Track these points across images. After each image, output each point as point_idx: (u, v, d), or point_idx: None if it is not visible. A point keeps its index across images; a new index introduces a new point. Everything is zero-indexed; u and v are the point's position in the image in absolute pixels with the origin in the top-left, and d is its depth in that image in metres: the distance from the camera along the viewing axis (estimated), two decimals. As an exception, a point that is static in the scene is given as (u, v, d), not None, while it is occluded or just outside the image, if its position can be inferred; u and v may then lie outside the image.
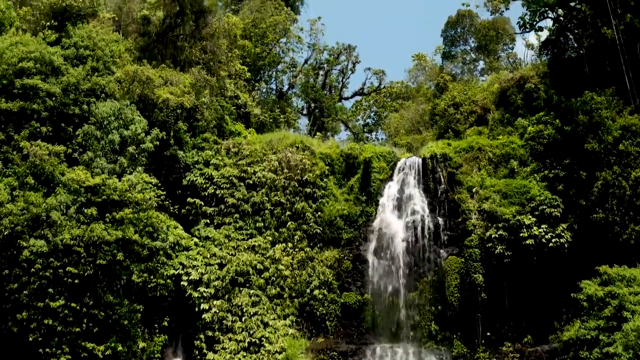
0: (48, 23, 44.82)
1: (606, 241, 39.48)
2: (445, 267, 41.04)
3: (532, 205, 41.12)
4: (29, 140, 37.92)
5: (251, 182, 44.45)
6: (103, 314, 34.54)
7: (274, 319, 40.23)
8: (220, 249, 41.77)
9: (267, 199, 43.87)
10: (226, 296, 40.33)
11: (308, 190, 44.38)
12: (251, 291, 40.86)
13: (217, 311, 39.60)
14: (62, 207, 35.36)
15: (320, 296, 41.33)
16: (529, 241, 39.88)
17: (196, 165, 44.62)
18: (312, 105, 74.12)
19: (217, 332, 39.06)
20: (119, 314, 35.21)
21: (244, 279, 40.99)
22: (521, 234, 40.18)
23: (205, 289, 39.96)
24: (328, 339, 40.48)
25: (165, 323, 38.77)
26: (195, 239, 42.10)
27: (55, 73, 40.87)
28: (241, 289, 40.83)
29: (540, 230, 40.16)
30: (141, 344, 36.55)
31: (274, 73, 68.34)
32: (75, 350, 33.66)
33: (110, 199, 36.27)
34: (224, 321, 39.43)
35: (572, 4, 47.53)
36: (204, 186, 43.99)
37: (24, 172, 36.58)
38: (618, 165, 40.22)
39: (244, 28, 59.00)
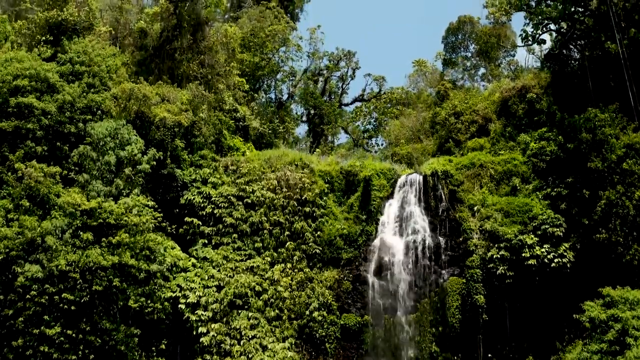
0: (44, 38, 44.39)
1: (609, 261, 38.95)
2: (446, 288, 40.57)
3: (534, 224, 40.59)
4: (24, 160, 37.63)
5: (250, 201, 43.91)
6: (99, 340, 34.12)
7: (273, 342, 39.75)
8: (219, 270, 41.29)
9: (265, 218, 43.37)
10: (224, 319, 39.86)
11: (307, 209, 43.87)
12: (250, 314, 40.37)
13: (215, 335, 39.15)
14: (57, 231, 34.93)
15: (320, 318, 40.85)
16: (531, 261, 39.35)
17: (194, 184, 44.09)
18: (312, 112, 73.40)
19: (215, 356, 38.62)
20: (116, 339, 34.76)
21: (243, 301, 40.52)
22: (523, 254, 39.64)
23: (203, 312, 39.47)
24: (327, 361, 40.14)
25: (163, 346, 38.31)
26: (193, 260, 41.60)
27: (50, 90, 40.49)
28: (240, 311, 40.35)
29: (543, 250, 39.64)
30: (138, 368, 36.19)
31: (273, 82, 67.61)
32: (72, 377, 33.22)
33: (107, 223, 35.76)
34: (222, 345, 38.97)
35: (576, 16, 46.79)
36: (202, 205, 43.48)
37: (19, 194, 36.17)
38: (622, 185, 39.63)
39: (242, 37, 58.26)
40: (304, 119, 75.44)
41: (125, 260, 34.99)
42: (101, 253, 34.72)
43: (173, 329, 39.34)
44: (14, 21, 46.56)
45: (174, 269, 40.21)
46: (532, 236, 40.13)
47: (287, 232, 43.32)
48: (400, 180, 45.64)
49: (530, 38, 49.42)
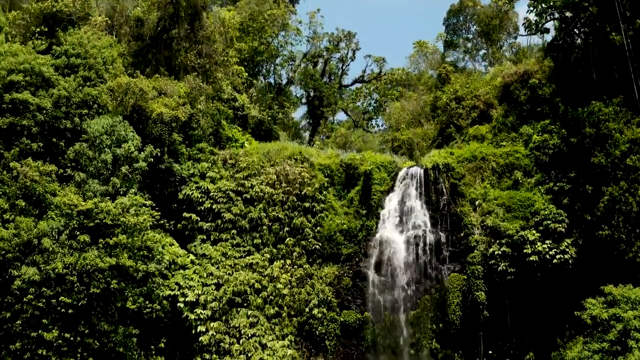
0: (38, 29, 43.52)
1: (611, 258, 38.56)
2: (447, 284, 40.26)
3: (536, 219, 40.14)
4: (19, 157, 37.11)
5: (248, 196, 43.48)
6: (98, 343, 33.91)
7: (272, 340, 39.54)
8: (217, 267, 40.94)
9: (265, 214, 42.96)
10: (223, 317, 39.61)
11: (307, 204, 43.44)
12: (249, 312, 40.13)
13: (214, 333, 38.91)
14: (54, 232, 34.54)
15: (320, 315, 40.59)
16: (532, 257, 38.95)
17: (192, 178, 43.58)
18: (312, 94, 72.72)
19: (214, 355, 38.40)
20: (114, 341, 34.59)
21: (242, 298, 40.27)
22: (525, 250, 39.24)
23: (202, 311, 39.17)
24: (327, 359, 39.91)
25: (162, 345, 38.11)
26: (192, 256, 41.24)
27: (45, 85, 39.85)
28: (239, 309, 40.09)
29: (545, 246, 39.21)
30: (137, 368, 36.05)
31: (272, 67, 66.79)
32: (71, 380, 33.08)
33: (103, 223, 35.36)
34: (222, 343, 38.73)
35: (581, 5, 45.74)
36: (200, 200, 43.03)
37: (15, 193, 35.70)
38: (625, 181, 39.09)
39: (241, 22, 57.34)
40: (304, 100, 74.83)
41: (123, 262, 34.65)
42: (98, 255, 34.37)
43: (172, 328, 39.08)
44: (7, 11, 45.56)
45: (173, 266, 39.88)
46: (534, 232, 39.69)
47: (286, 228, 42.94)
48: (401, 174, 45.11)
49: (533, 27, 48.41)
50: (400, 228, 43.11)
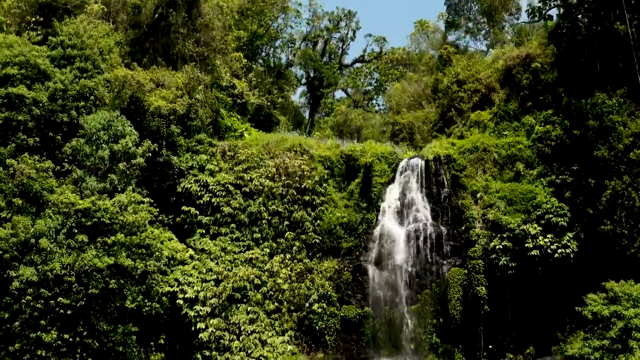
0: (34, 19, 42.78)
1: (613, 254, 38.33)
2: (447, 279, 40.02)
3: (538, 213, 39.73)
4: (15, 153, 36.62)
5: (248, 189, 43.08)
6: (97, 343, 33.65)
7: (272, 336, 39.42)
8: (217, 263, 40.68)
9: (264, 208, 42.60)
10: (223, 314, 39.38)
11: (307, 197, 43.08)
12: (249, 307, 39.96)
13: (214, 330, 38.71)
14: (51, 232, 34.12)
15: (320, 310, 40.46)
16: (534, 252, 38.59)
17: (190, 171, 43.13)
18: (312, 74, 71.97)
19: (214, 352, 38.21)
20: (114, 340, 34.30)
21: (241, 294, 40.05)
22: (526, 244, 38.88)
23: (201, 307, 38.95)
24: (327, 354, 39.90)
25: (162, 341, 38.07)
26: (191, 251, 40.94)
27: (42, 77, 39.25)
28: (238, 305, 39.89)
29: (546, 240, 38.85)
30: (137, 365, 35.96)
31: (272, 50, 65.96)
32: (70, 380, 32.94)
33: (101, 222, 34.93)
34: (221, 340, 38.55)
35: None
36: (199, 194, 42.63)
37: (12, 190, 35.27)
38: (628, 175, 38.66)
39: (240, 5, 56.45)
40: (303, 81, 74.13)
41: (121, 261, 34.23)
42: (96, 254, 33.90)
43: (171, 324, 38.95)
44: (3, 0, 44.75)
45: (172, 262, 39.58)
46: (536, 225, 39.30)
47: (286, 222, 42.60)
48: (402, 164, 44.67)
49: (537, 13, 47.58)
50: (400, 221, 42.82)
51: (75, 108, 39.44)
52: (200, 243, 41.49)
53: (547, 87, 46.66)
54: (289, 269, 41.47)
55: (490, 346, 39.14)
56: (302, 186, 43.21)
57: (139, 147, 38.68)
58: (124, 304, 34.94)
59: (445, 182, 43.19)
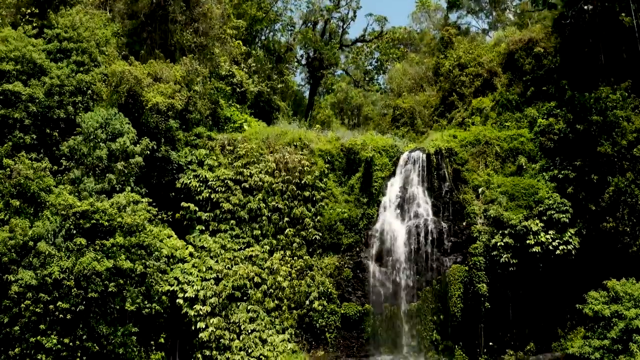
0: (29, 10, 41.91)
1: (615, 251, 38.28)
2: (448, 276, 39.82)
3: (540, 208, 39.41)
4: (12, 152, 36.18)
5: (247, 185, 42.64)
6: (97, 346, 33.51)
7: (272, 335, 39.33)
8: (217, 261, 40.41)
9: (264, 204, 42.23)
10: (223, 313, 39.23)
11: (307, 193, 42.68)
12: (249, 306, 39.83)
13: (214, 330, 38.56)
14: (49, 234, 33.81)
15: (320, 307, 40.31)
16: (535, 249, 38.36)
17: (190, 166, 42.69)
18: (312, 55, 71.15)
19: (214, 352, 38.15)
20: (114, 343, 34.16)
21: (241, 292, 39.90)
22: (528, 241, 38.60)
23: (201, 307, 38.74)
24: (327, 351, 39.89)
25: (162, 340, 37.89)
26: (191, 248, 40.64)
27: (38, 72, 38.69)
28: (238, 304, 39.77)
29: (548, 236, 38.60)
30: (138, 365, 35.93)
31: (271, 35, 65.01)
32: (70, 384, 32.90)
33: (100, 223, 34.61)
34: (222, 340, 38.44)
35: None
36: (198, 190, 42.24)
37: (9, 191, 34.90)
38: (632, 172, 38.41)
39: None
40: (303, 62, 73.31)
41: (121, 264, 33.98)
42: (95, 257, 33.60)
43: (172, 323, 38.74)
44: (-4, -10, 43.94)
45: (171, 260, 39.34)
46: (538, 221, 39.00)
47: (286, 218, 42.24)
48: (403, 158, 44.08)
49: (540, 1, 46.75)
50: (401, 216, 42.41)
51: (72, 103, 38.97)
52: (200, 240, 41.19)
53: (550, 74, 46.00)
54: (289, 266, 41.26)
55: (490, 343, 39.10)
56: (302, 182, 42.77)
57: (137, 145, 38.21)
58: (124, 306, 34.78)
59: (447, 176, 42.76)
